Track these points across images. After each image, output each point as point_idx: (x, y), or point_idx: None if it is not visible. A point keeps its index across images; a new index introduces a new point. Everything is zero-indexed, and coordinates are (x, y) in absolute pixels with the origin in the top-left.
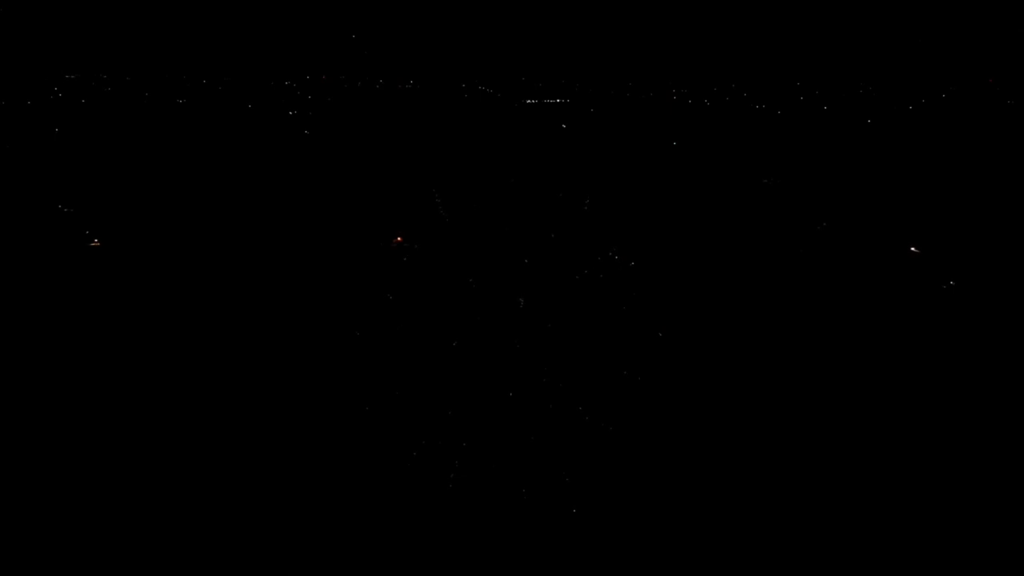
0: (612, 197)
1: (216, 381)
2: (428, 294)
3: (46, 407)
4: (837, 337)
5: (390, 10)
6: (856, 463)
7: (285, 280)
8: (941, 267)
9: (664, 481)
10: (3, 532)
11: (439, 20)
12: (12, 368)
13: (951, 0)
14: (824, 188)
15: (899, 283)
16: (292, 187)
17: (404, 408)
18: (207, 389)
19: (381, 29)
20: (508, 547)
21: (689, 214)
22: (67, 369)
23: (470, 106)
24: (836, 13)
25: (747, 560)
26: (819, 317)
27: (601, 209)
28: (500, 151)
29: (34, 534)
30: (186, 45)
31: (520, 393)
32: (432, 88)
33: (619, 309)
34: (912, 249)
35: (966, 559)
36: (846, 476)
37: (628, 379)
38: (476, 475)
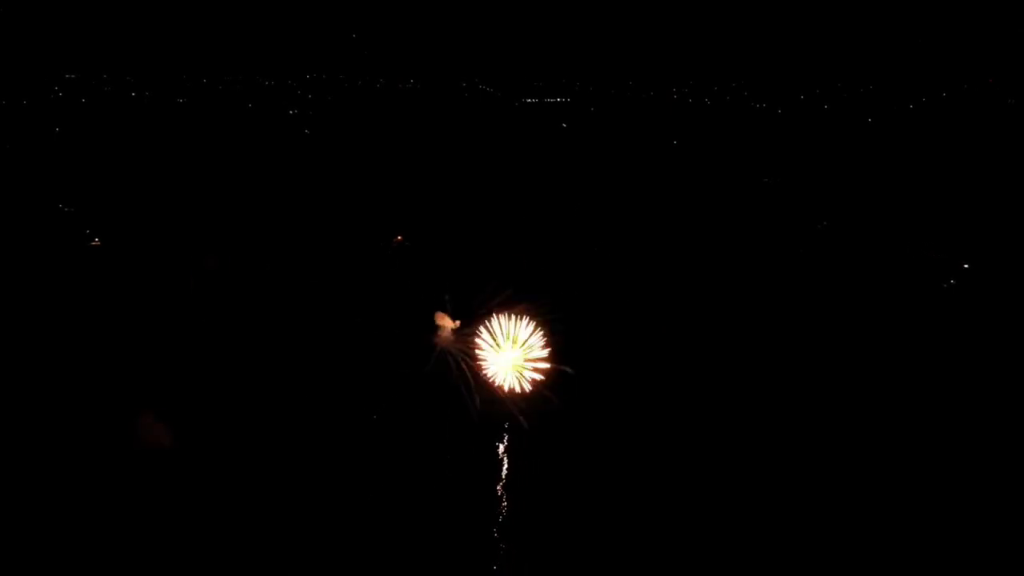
0: (612, 195)
1: (215, 375)
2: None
3: (45, 403)
4: (837, 337)
5: (390, 10)
6: (852, 462)
7: (285, 278)
8: (942, 266)
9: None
10: None
11: (439, 19)
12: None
13: (951, 1)
14: (824, 187)
15: (898, 282)
16: (293, 185)
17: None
18: (208, 384)
19: (381, 29)
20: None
21: (689, 212)
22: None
23: (471, 105)
24: (836, 13)
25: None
26: (818, 317)
27: (601, 206)
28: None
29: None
30: (186, 45)
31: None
32: (433, 87)
33: (615, 303)
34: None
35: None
36: (843, 475)
37: (625, 373)
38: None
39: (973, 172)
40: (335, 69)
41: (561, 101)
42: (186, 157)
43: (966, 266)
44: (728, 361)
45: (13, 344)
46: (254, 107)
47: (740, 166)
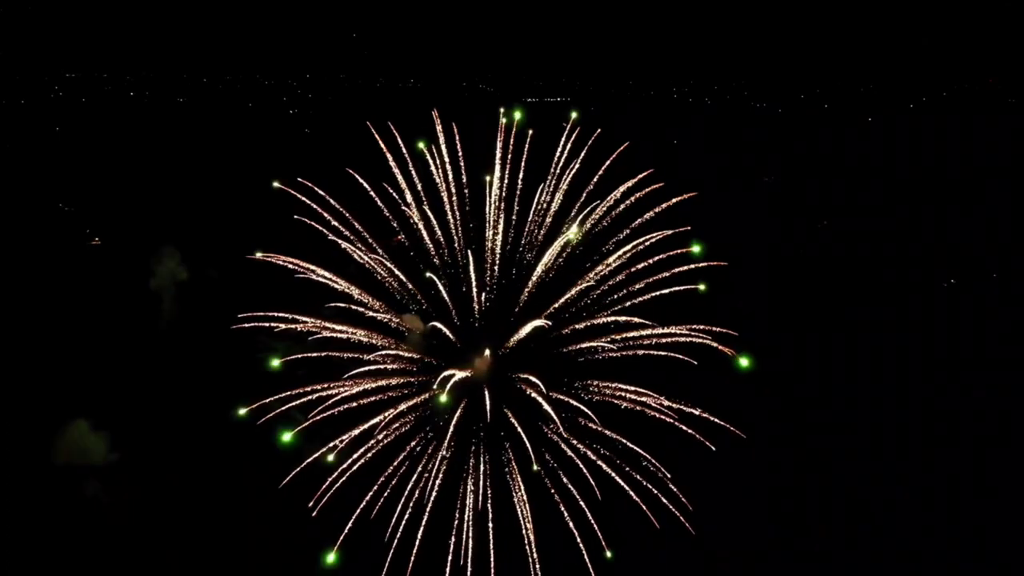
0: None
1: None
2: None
3: None
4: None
5: (390, 10)
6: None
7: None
8: (941, 266)
9: None
10: None
11: (439, 19)
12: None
13: (952, 1)
14: (825, 186)
15: (898, 282)
16: (292, 185)
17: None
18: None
19: (381, 29)
20: None
21: (689, 211)
22: None
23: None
24: (836, 13)
25: None
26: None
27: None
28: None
29: None
30: (186, 45)
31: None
32: (433, 87)
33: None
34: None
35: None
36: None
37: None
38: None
39: (973, 172)
40: (335, 69)
41: (561, 101)
42: (186, 157)
43: (965, 266)
44: (726, 361)
45: (12, 343)
46: (254, 107)
47: (740, 165)
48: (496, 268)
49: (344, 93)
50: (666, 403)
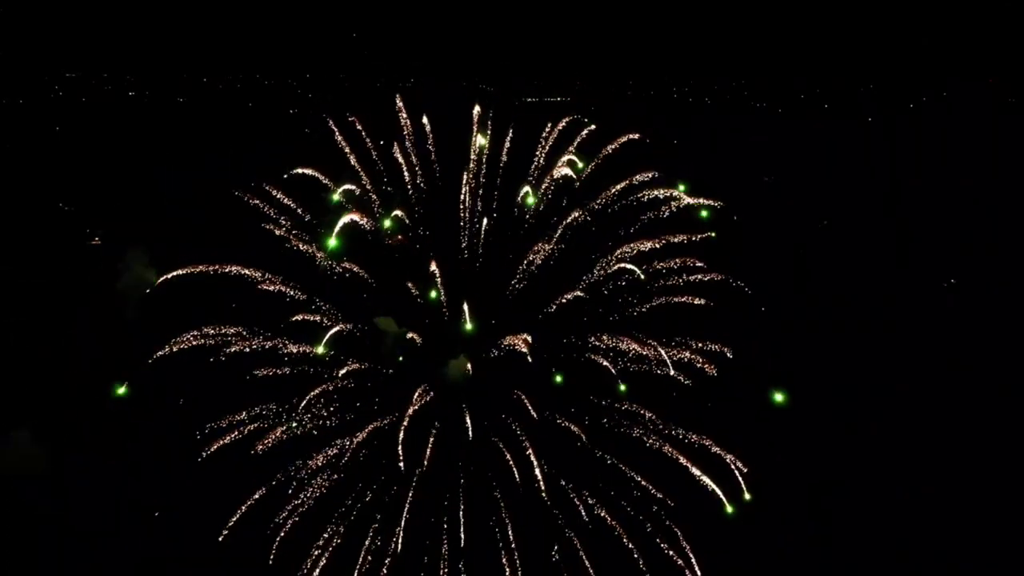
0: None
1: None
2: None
3: None
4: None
5: (389, 9)
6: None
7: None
8: (941, 267)
9: None
10: None
11: (439, 19)
12: None
13: (952, 1)
14: (824, 186)
15: (897, 283)
16: (292, 185)
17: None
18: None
19: (380, 28)
20: None
21: (689, 211)
22: None
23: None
24: (836, 12)
25: None
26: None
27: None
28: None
29: None
30: (186, 45)
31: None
32: (433, 87)
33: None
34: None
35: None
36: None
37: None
38: None
39: (973, 172)
40: (335, 69)
41: (561, 100)
42: (186, 157)
43: (965, 267)
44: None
45: (12, 344)
46: (254, 107)
47: (740, 165)
48: (478, 266)
49: (344, 93)
50: (682, 435)
